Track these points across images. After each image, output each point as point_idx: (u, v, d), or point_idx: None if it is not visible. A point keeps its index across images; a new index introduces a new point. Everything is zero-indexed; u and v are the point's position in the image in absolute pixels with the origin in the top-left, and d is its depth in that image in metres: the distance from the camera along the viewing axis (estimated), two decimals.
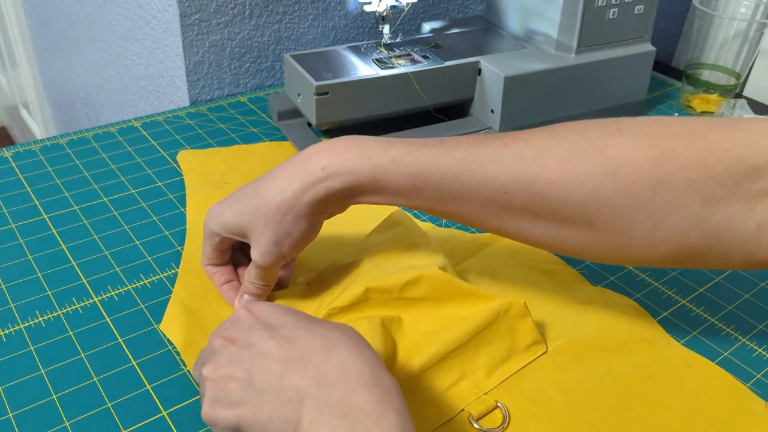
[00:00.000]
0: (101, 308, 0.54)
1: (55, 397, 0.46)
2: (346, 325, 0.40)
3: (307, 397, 0.36)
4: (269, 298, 0.54)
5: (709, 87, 0.87)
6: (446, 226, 0.65)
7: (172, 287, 0.56)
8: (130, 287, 0.56)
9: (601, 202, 0.43)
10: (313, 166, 0.46)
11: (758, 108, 0.86)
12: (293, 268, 0.57)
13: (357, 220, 0.64)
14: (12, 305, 0.53)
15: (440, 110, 0.78)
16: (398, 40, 0.81)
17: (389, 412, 0.35)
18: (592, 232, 0.45)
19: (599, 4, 0.76)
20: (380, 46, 0.78)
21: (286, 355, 0.37)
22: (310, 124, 0.78)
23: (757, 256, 0.43)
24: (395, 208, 0.65)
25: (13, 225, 0.62)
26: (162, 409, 0.46)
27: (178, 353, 0.50)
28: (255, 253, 0.49)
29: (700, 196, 0.42)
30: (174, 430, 0.44)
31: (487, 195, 0.45)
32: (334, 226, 0.63)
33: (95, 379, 0.48)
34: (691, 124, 0.44)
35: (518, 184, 0.44)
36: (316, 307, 0.52)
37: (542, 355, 0.50)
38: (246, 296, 0.52)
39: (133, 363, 0.49)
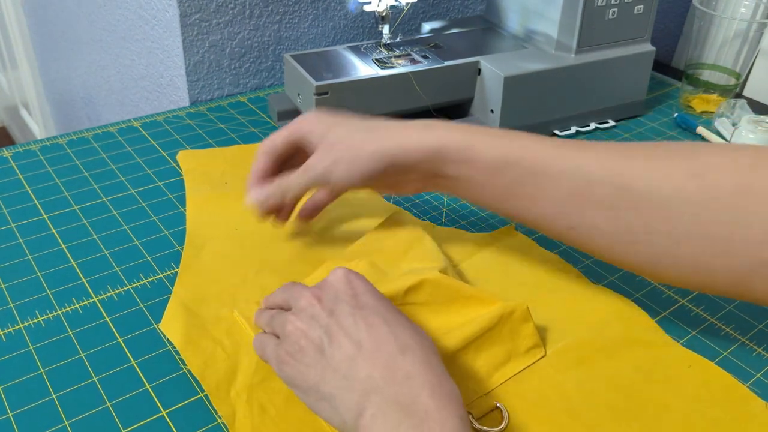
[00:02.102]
0: (101, 308, 0.54)
1: (54, 396, 0.46)
2: (421, 330, 0.41)
3: (373, 392, 0.37)
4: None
5: (709, 87, 0.87)
6: (446, 225, 0.65)
7: (172, 287, 0.56)
8: (129, 287, 0.56)
9: (682, 201, 0.43)
10: (413, 125, 0.50)
11: (758, 108, 0.86)
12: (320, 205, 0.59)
13: (357, 220, 0.64)
14: (12, 305, 0.53)
15: (440, 110, 0.78)
16: (398, 40, 0.81)
17: (453, 418, 0.36)
18: (670, 240, 0.43)
19: (599, 4, 0.76)
20: (380, 46, 0.78)
21: (360, 341, 0.39)
22: None
23: None
24: (396, 208, 0.65)
25: (13, 225, 0.62)
26: (162, 409, 0.46)
27: (177, 353, 0.50)
28: (315, 164, 0.52)
29: None
30: (174, 429, 0.44)
31: (572, 182, 0.46)
32: (334, 226, 0.63)
33: (95, 378, 0.48)
34: None
35: (605, 173, 0.45)
36: None
37: (541, 358, 0.50)
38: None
39: (133, 363, 0.49)
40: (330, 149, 0.51)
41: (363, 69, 0.73)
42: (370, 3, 0.73)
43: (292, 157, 0.56)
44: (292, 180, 0.53)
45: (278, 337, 0.44)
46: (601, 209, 0.45)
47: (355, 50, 0.77)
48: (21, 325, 0.52)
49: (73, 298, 0.54)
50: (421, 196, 0.69)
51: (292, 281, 0.48)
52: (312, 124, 0.53)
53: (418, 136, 0.49)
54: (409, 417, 0.36)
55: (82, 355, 0.49)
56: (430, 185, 0.52)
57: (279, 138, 0.55)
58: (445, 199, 0.69)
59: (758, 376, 0.50)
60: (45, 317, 0.52)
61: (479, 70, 0.77)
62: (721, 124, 0.82)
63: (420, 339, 0.40)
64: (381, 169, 0.50)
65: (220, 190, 0.67)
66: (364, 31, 0.95)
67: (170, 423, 0.45)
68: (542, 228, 0.50)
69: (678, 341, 0.53)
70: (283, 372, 0.42)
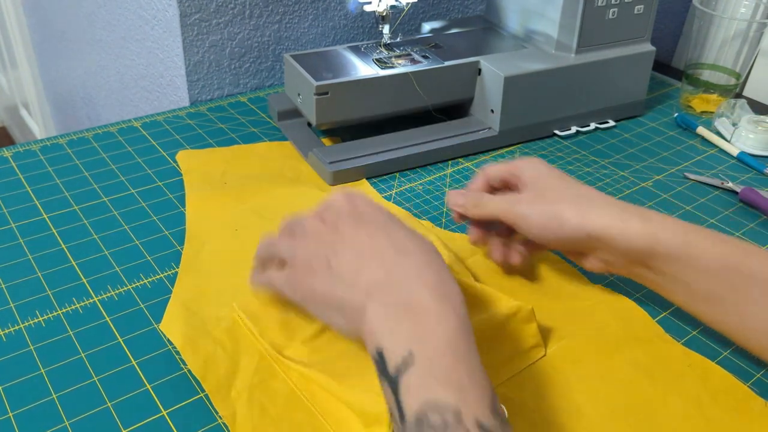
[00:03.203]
0: (101, 308, 0.54)
1: (55, 396, 0.46)
2: (423, 237, 0.43)
3: (374, 291, 0.39)
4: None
5: (709, 87, 0.87)
6: (446, 226, 0.65)
7: (172, 287, 0.56)
8: (130, 287, 0.56)
9: None
10: (627, 208, 0.50)
11: (758, 108, 0.86)
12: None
13: None
14: (12, 305, 0.53)
15: (440, 110, 0.78)
16: (398, 40, 0.81)
17: (451, 314, 0.37)
18: None
19: (599, 4, 0.76)
20: (380, 46, 0.78)
21: (362, 250, 0.41)
22: (310, 124, 0.79)
23: None
24: (397, 208, 0.65)
25: (13, 225, 0.62)
26: (162, 409, 0.46)
27: (178, 353, 0.50)
28: (516, 201, 0.52)
29: None
30: (174, 430, 0.44)
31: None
32: None
33: (95, 378, 0.48)
34: None
35: None
36: None
37: (542, 358, 0.50)
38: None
39: (133, 363, 0.49)
40: (537, 196, 0.52)
41: (363, 69, 0.73)
42: (370, 3, 0.73)
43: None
44: (489, 199, 0.54)
45: (284, 264, 0.46)
46: None
47: (355, 50, 0.77)
48: (21, 325, 0.52)
49: (74, 298, 0.54)
50: (420, 196, 0.69)
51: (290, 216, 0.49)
52: (532, 164, 0.54)
53: (633, 222, 0.48)
54: (408, 313, 0.37)
55: (82, 355, 0.49)
56: (627, 273, 0.51)
57: (498, 166, 0.56)
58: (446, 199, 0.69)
59: (758, 375, 0.50)
60: (45, 317, 0.52)
61: (479, 70, 0.77)
62: (721, 124, 0.82)
63: (420, 243, 0.42)
64: (579, 241, 0.50)
65: (220, 190, 0.67)
66: (364, 31, 0.95)
67: (170, 423, 0.45)
68: (744, 341, 0.48)
69: (678, 341, 0.53)
70: (297, 295, 0.45)
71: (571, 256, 0.54)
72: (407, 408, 0.34)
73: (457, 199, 0.56)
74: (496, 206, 0.53)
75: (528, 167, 0.54)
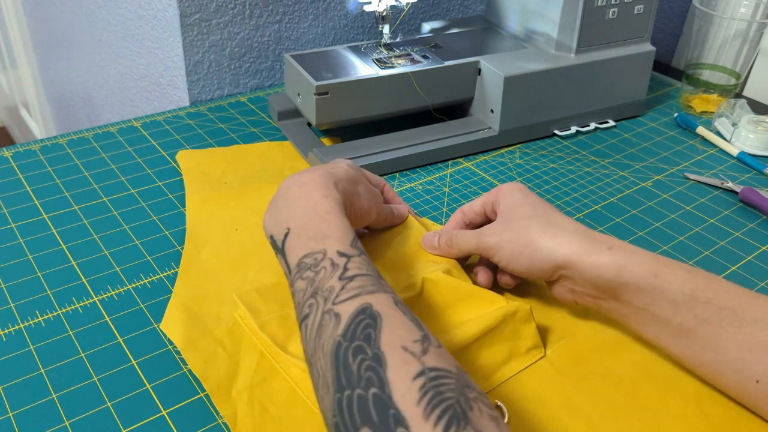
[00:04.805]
0: (101, 308, 0.54)
1: (55, 396, 0.46)
2: (336, 164, 0.53)
3: (292, 225, 0.48)
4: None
5: (708, 87, 0.87)
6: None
7: (172, 287, 0.56)
8: (130, 287, 0.56)
9: None
10: (599, 239, 0.49)
11: (758, 108, 0.86)
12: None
13: None
14: (12, 305, 0.53)
15: (440, 110, 0.78)
16: (398, 40, 0.81)
17: (311, 195, 0.48)
18: None
19: (599, 4, 0.76)
20: (380, 46, 0.78)
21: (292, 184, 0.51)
22: (310, 124, 0.79)
23: None
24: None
25: (13, 225, 0.62)
26: (162, 409, 0.46)
27: (178, 353, 0.50)
28: (488, 235, 0.52)
29: None
30: (174, 429, 0.44)
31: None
32: None
33: (95, 378, 0.48)
34: None
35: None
36: None
37: (541, 358, 0.50)
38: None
39: (133, 363, 0.49)
40: (507, 226, 0.51)
41: (363, 69, 0.73)
42: (370, 3, 0.73)
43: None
44: (461, 239, 0.54)
45: None
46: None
47: (355, 50, 0.77)
48: (21, 325, 0.52)
49: (73, 298, 0.54)
50: (420, 196, 0.69)
51: None
52: (509, 192, 0.53)
53: (601, 252, 0.47)
54: (284, 204, 0.48)
55: (82, 355, 0.49)
56: (597, 305, 0.50)
57: (474, 201, 0.56)
58: (446, 200, 0.69)
59: None
60: (45, 317, 0.52)
61: (479, 70, 0.77)
62: (721, 124, 0.82)
63: (316, 175, 0.50)
64: (548, 271, 0.49)
65: (220, 189, 0.67)
66: (364, 31, 0.95)
67: (170, 423, 0.45)
68: (718, 377, 0.46)
69: None
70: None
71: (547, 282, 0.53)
72: (291, 263, 0.45)
73: (431, 242, 0.56)
74: (467, 241, 0.53)
75: (504, 196, 0.53)
